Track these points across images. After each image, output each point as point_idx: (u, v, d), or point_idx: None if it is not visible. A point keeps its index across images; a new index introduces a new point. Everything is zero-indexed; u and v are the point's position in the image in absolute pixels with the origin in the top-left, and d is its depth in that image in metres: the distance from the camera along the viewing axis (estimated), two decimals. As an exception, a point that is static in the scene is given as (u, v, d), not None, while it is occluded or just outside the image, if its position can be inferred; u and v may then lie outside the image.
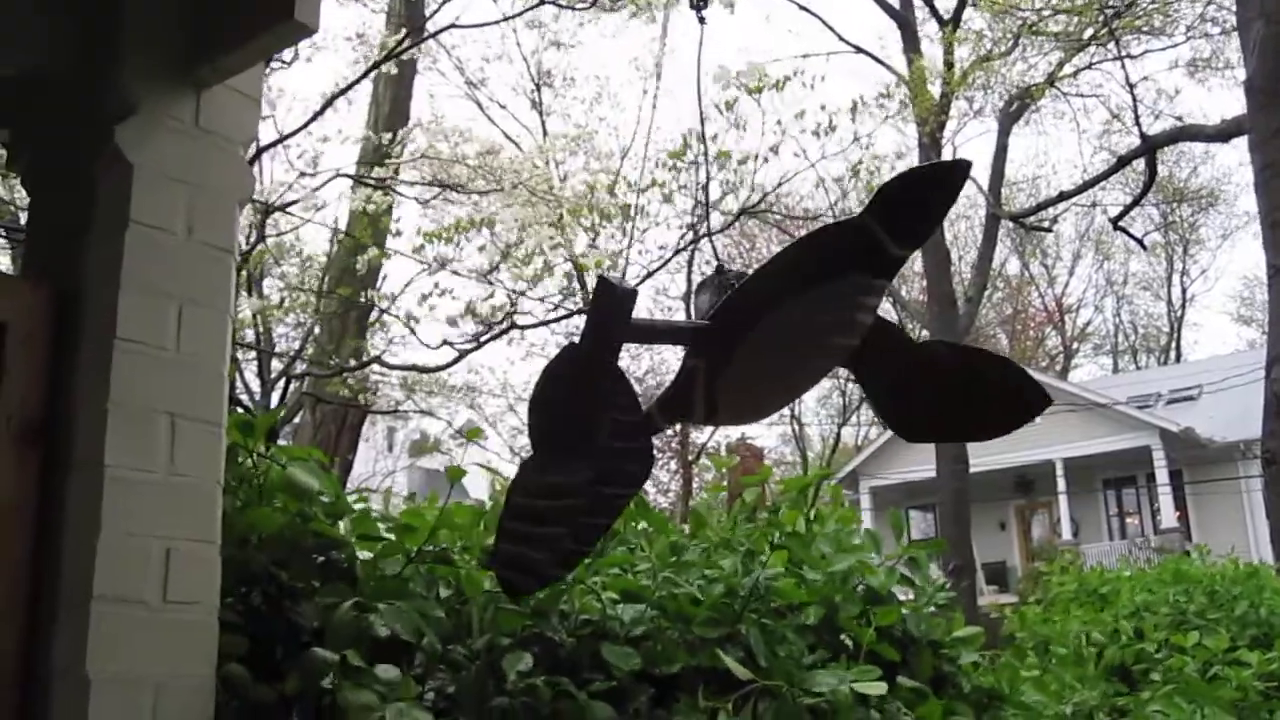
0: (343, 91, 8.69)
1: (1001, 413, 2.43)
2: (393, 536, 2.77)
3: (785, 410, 34.78)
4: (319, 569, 2.66)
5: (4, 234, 9.01)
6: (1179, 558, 7.70)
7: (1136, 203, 20.38)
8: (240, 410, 6.59)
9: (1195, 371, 32.53)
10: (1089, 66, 20.98)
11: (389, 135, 10.15)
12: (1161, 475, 27.18)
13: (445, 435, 21.00)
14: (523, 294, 9.43)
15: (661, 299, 28.23)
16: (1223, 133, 16.02)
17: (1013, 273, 40.12)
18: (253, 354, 10.92)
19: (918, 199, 2.18)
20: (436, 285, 9.28)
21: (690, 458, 27.89)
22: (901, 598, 3.35)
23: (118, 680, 2.17)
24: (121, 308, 2.31)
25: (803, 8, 20.37)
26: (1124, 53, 18.65)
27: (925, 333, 26.79)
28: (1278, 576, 6.57)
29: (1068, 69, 20.54)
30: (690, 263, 23.26)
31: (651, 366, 27.22)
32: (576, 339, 2.22)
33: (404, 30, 10.15)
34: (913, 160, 20.55)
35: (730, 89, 8.95)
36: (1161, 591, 6.35)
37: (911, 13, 20.47)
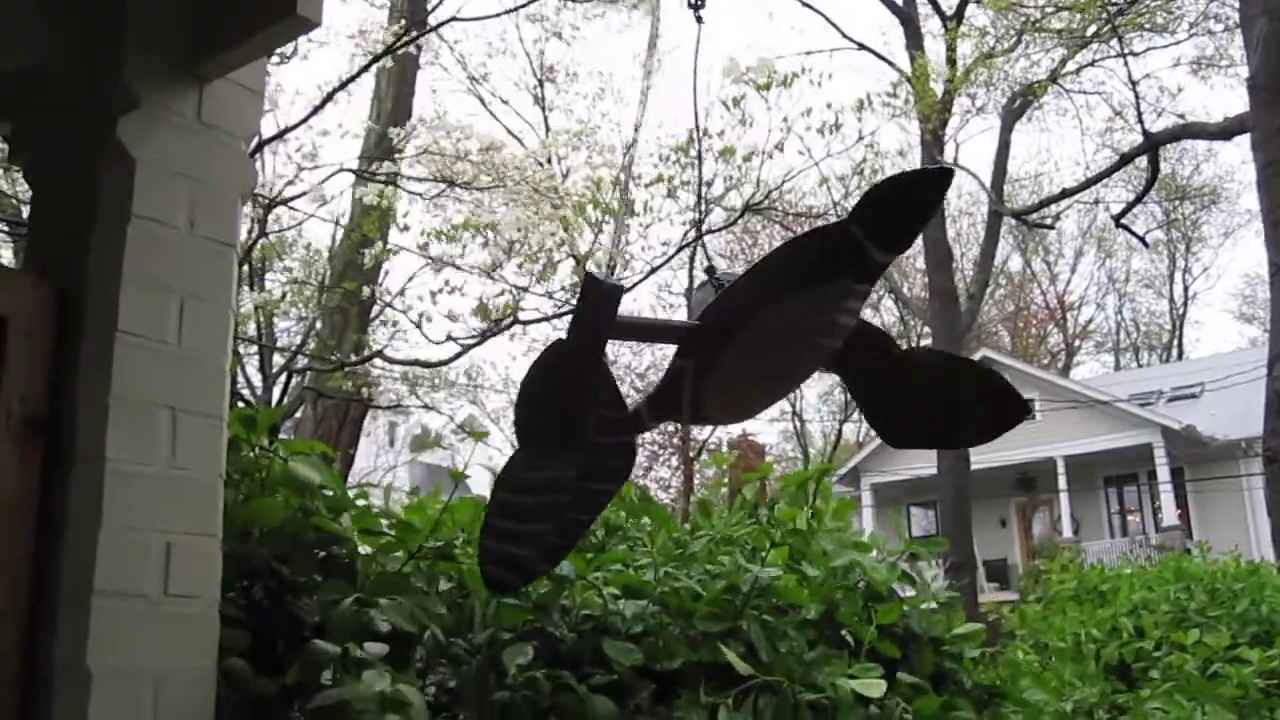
0: (344, 85, 8.68)
1: (982, 420, 2.45)
2: (394, 532, 2.78)
3: (786, 407, 34.80)
4: (320, 564, 2.66)
5: (6, 228, 9.01)
6: (1180, 555, 7.70)
7: (1139, 200, 20.36)
8: (242, 405, 6.59)
9: (1197, 369, 32.52)
10: (1092, 63, 20.97)
11: (392, 130, 10.15)
12: (1163, 473, 27.19)
13: (447, 430, 21.00)
14: (526, 289, 9.43)
15: (665, 295, 28.24)
16: (1225, 130, 16.00)
17: (1015, 270, 40.14)
18: (254, 348, 10.92)
19: (902, 205, 2.19)
20: (447, 283, 9.28)
21: (691, 454, 27.91)
22: (902, 595, 3.36)
23: (118, 674, 2.17)
24: (123, 302, 2.32)
25: (806, 4, 20.38)
26: (1127, 50, 18.63)
27: (927, 329, 26.80)
28: (1278, 574, 6.56)
29: (1070, 66, 20.53)
30: (692, 259, 23.28)
31: (654, 363, 27.24)
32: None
33: (404, 24, 10.14)
34: (915, 157, 20.58)
35: (739, 85, 8.93)
36: (1162, 589, 6.35)
37: (914, 9, 20.45)
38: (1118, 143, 22.92)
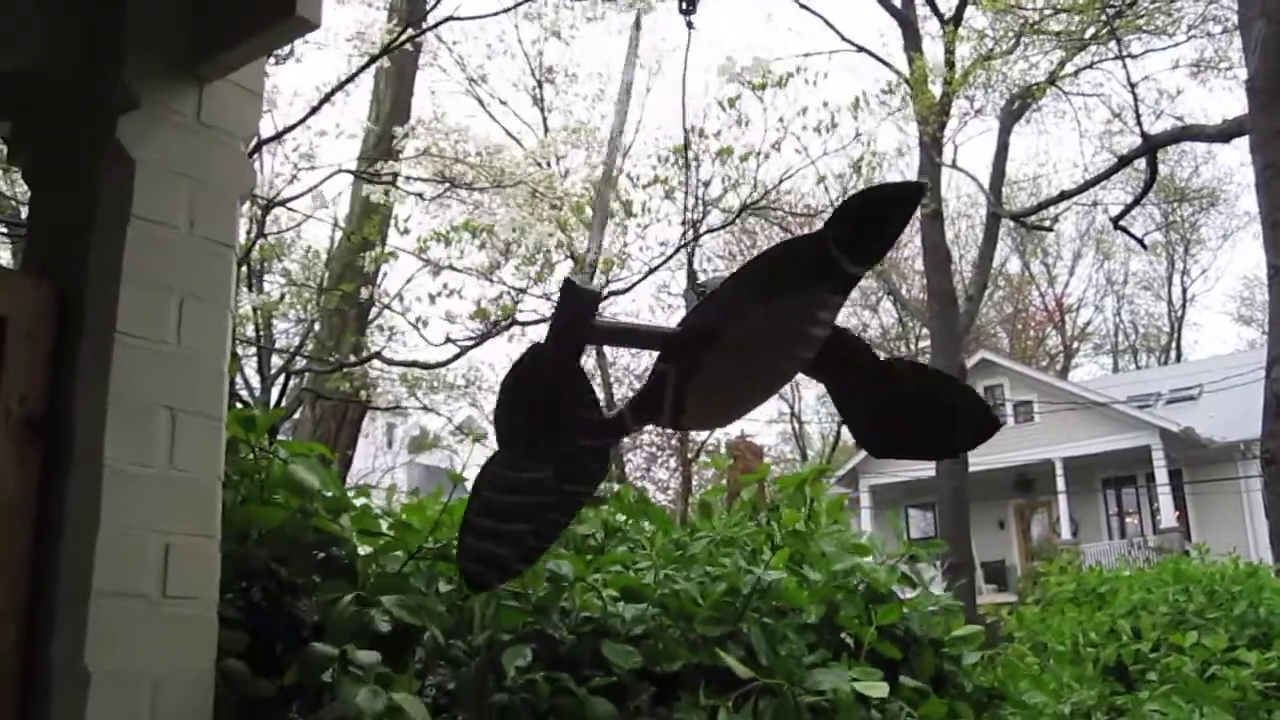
0: (343, 84, 8.67)
1: (954, 435, 2.46)
2: (393, 533, 2.78)
3: (785, 408, 34.81)
4: (319, 565, 2.66)
5: (5, 229, 9.01)
6: (1178, 557, 7.69)
7: (1137, 202, 20.38)
8: (240, 406, 6.59)
9: (1195, 371, 32.56)
10: (1090, 66, 20.99)
11: (390, 131, 10.15)
12: (1161, 475, 27.22)
13: (445, 432, 21.00)
14: (524, 291, 9.42)
15: (663, 296, 28.24)
16: (1224, 133, 16.01)
17: (1013, 272, 40.18)
18: (253, 349, 10.92)
19: (875, 218, 2.22)
20: (445, 285, 9.27)
21: (690, 456, 27.91)
22: (902, 597, 3.36)
23: (116, 675, 2.17)
24: (122, 302, 2.31)
25: (804, 6, 20.38)
26: (1125, 52, 18.65)
27: (926, 331, 26.81)
28: (1277, 576, 6.56)
29: (1069, 68, 20.55)
30: (691, 261, 23.26)
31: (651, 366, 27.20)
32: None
33: (400, 23, 10.13)
34: (914, 159, 20.60)
35: (734, 84, 8.92)
36: (1160, 591, 6.34)
37: (913, 11, 20.46)
38: (1116, 145, 22.96)
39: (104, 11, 2.52)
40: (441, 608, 2.66)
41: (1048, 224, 27.13)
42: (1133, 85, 17.61)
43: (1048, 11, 18.78)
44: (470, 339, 9.37)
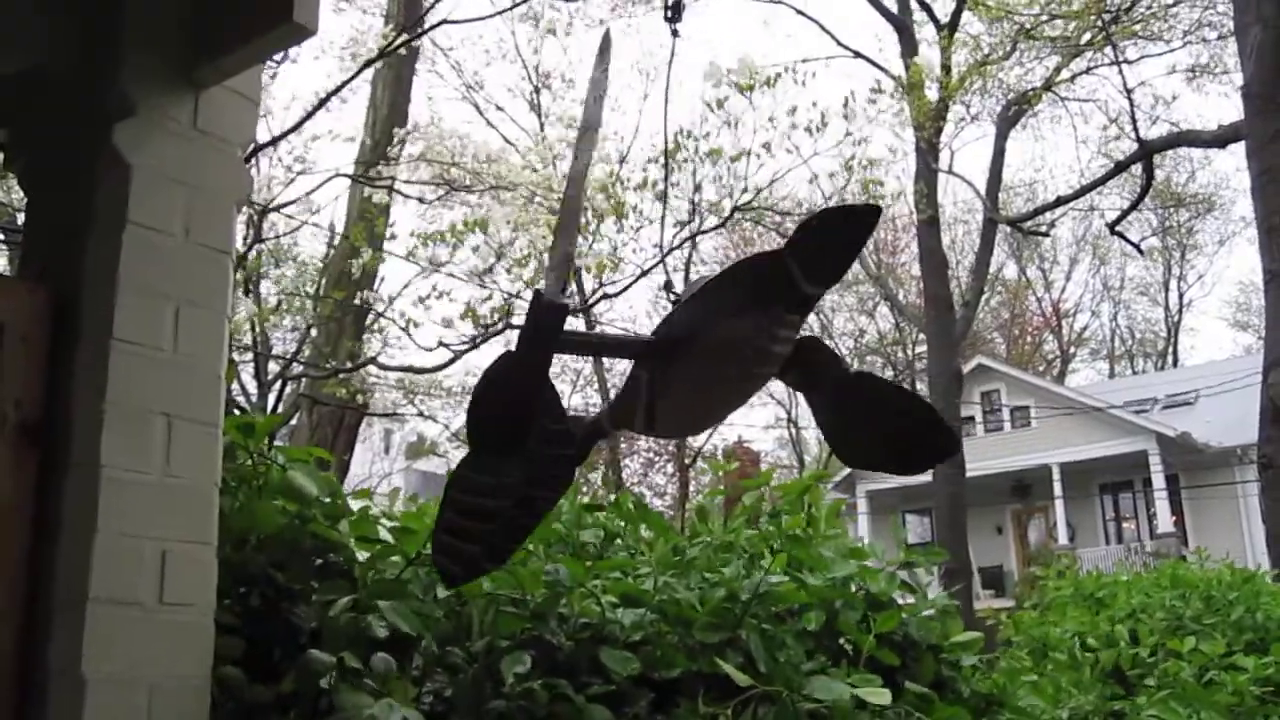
0: (339, 89, 8.67)
1: (912, 453, 2.48)
2: (392, 539, 2.77)
3: (781, 414, 34.81)
4: (317, 571, 2.65)
5: (1, 235, 9.00)
6: (1175, 562, 7.69)
7: (1134, 207, 20.39)
8: (237, 412, 6.57)
9: (1192, 376, 32.59)
10: (1086, 71, 21.03)
11: (387, 138, 10.15)
12: (1158, 480, 27.23)
13: (442, 438, 20.99)
14: (518, 295, 9.41)
15: (661, 299, 28.22)
16: (1220, 138, 16.02)
17: (1010, 277, 40.20)
18: (249, 356, 10.90)
19: (832, 239, 2.23)
20: (435, 287, 9.27)
21: (687, 461, 27.90)
22: (901, 602, 3.35)
23: (113, 681, 2.17)
24: (119, 308, 2.31)
25: (800, 12, 20.41)
26: (1121, 58, 18.68)
27: (923, 336, 26.83)
28: (1274, 582, 6.57)
29: (1065, 74, 20.59)
30: (688, 264, 23.29)
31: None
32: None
33: (396, 27, 10.13)
34: (910, 164, 20.61)
35: (723, 87, 8.89)
36: (1158, 596, 6.34)
37: (909, 17, 20.49)
38: (1112, 150, 23.00)
39: (103, 12, 2.52)
40: (440, 613, 2.66)
41: (1044, 229, 27.21)
42: (1129, 91, 17.64)
43: (1043, 18, 18.82)
44: (464, 343, 9.35)
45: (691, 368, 2.28)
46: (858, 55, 20.13)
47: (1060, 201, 22.56)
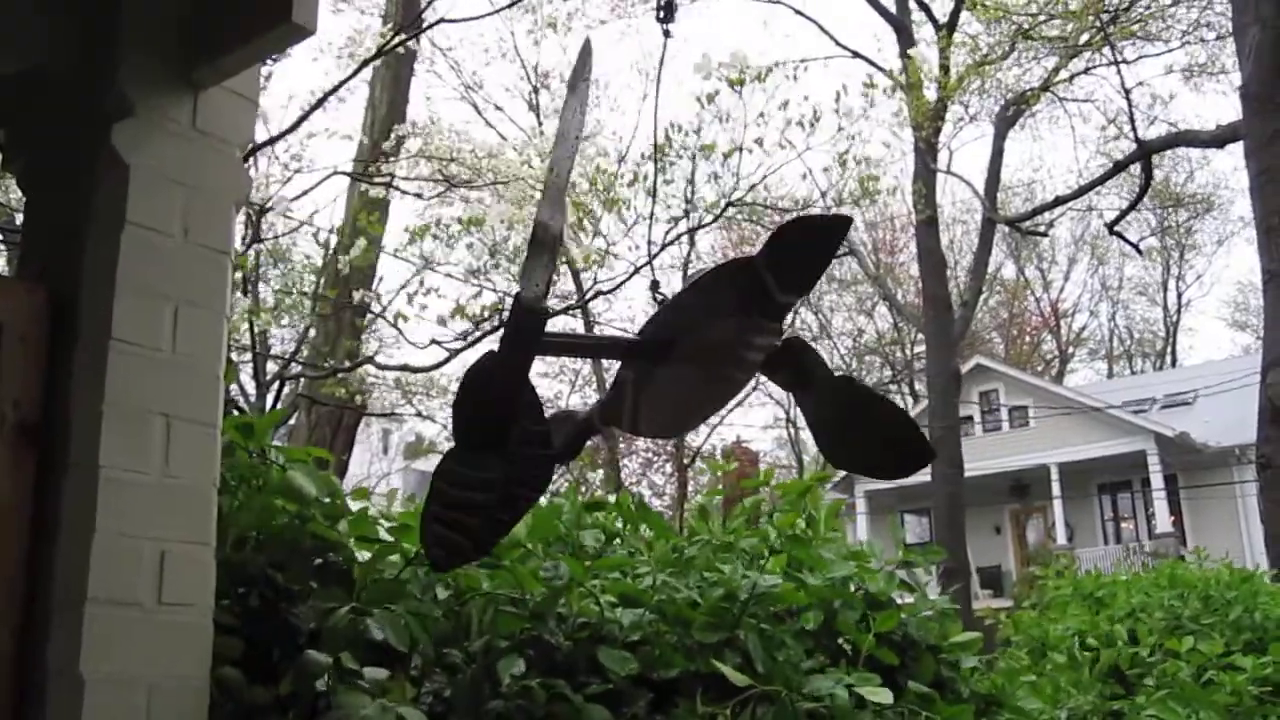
0: (336, 88, 8.65)
1: (890, 458, 2.49)
2: (391, 538, 2.77)
3: (780, 414, 34.80)
4: (316, 571, 2.65)
5: (1, 235, 8.98)
6: (1174, 562, 7.69)
7: (1132, 208, 20.40)
8: (236, 413, 6.56)
9: (1190, 376, 32.60)
10: (1085, 72, 21.04)
11: (385, 137, 10.14)
12: (1156, 480, 27.25)
13: (441, 438, 20.98)
14: (510, 294, 9.37)
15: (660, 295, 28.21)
16: (1218, 138, 16.03)
17: (1008, 277, 40.23)
18: (247, 355, 10.90)
19: (803, 249, 2.24)
20: (421, 283, 9.26)
21: (685, 461, 27.91)
22: (900, 602, 3.35)
23: (111, 681, 2.17)
24: (117, 309, 2.31)
25: (798, 11, 20.42)
26: (1119, 58, 18.68)
27: (921, 336, 26.83)
28: (1273, 582, 6.57)
29: (1063, 74, 20.59)
30: (686, 263, 23.31)
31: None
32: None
33: (394, 26, 10.12)
34: (909, 164, 20.62)
35: (712, 79, 8.86)
36: (1156, 596, 6.34)
37: (908, 16, 20.50)
38: (1111, 150, 23.00)
39: (103, 12, 2.52)
40: (438, 613, 2.66)
41: (1043, 229, 27.21)
42: (1127, 91, 17.64)
43: (1042, 18, 18.82)
44: (458, 339, 9.34)
45: (672, 370, 2.29)
46: (856, 55, 20.15)
47: (1059, 201, 22.58)
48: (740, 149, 9.03)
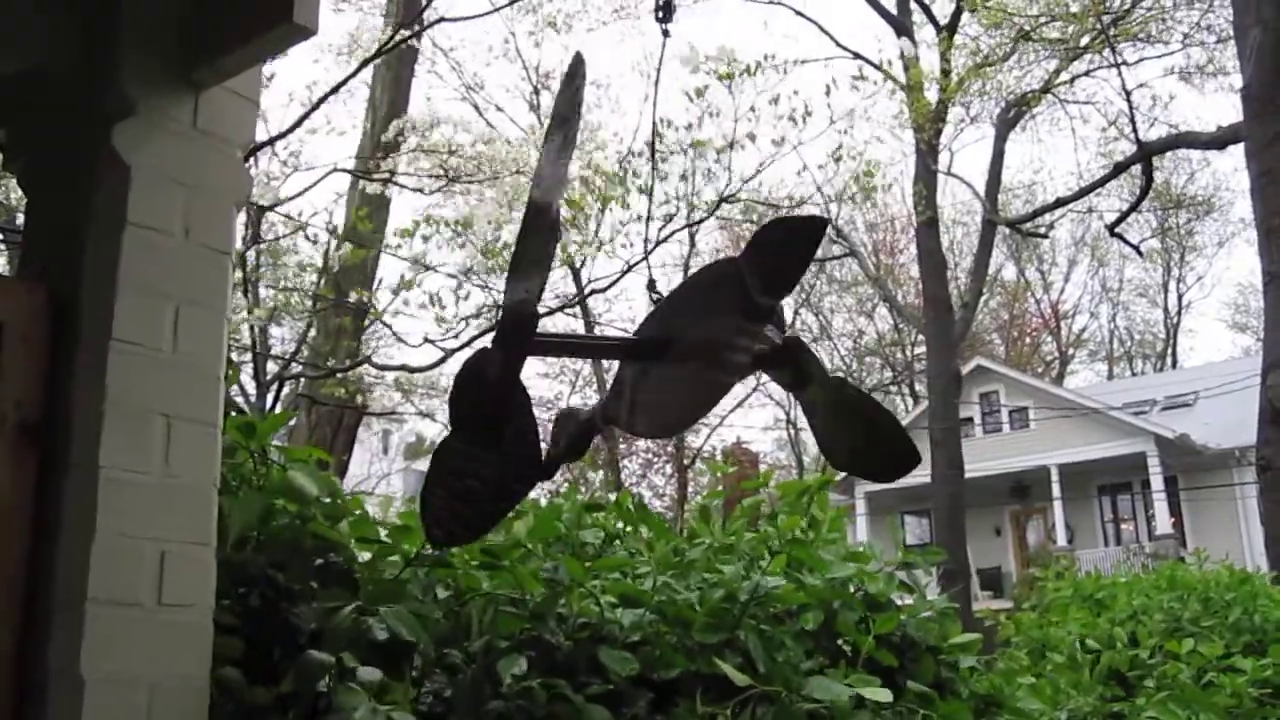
0: (337, 88, 8.64)
1: (880, 460, 2.50)
2: (390, 538, 2.77)
3: (780, 415, 34.81)
4: (317, 571, 2.65)
5: (1, 235, 8.99)
6: (1174, 564, 7.70)
7: (1133, 209, 20.41)
8: (236, 414, 6.56)
9: (1191, 378, 32.60)
10: (1086, 74, 21.04)
11: (388, 130, 10.12)
12: (1156, 481, 27.24)
13: (441, 438, 20.96)
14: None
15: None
16: (1219, 140, 16.04)
17: (1009, 278, 40.23)
18: (248, 355, 10.90)
19: (781, 251, 2.24)
20: (406, 280, 9.24)
21: (685, 462, 27.92)
22: (899, 603, 3.36)
23: (112, 681, 2.17)
24: (118, 309, 2.31)
25: (799, 13, 20.41)
26: (1120, 60, 18.69)
27: (921, 337, 26.84)
28: (1273, 584, 6.57)
29: (1064, 76, 20.59)
30: (687, 261, 23.32)
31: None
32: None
33: (395, 24, 10.12)
34: (909, 166, 20.63)
35: (702, 75, 8.84)
36: (1156, 598, 6.35)
37: (909, 18, 20.50)
38: (1112, 152, 23.00)
39: (103, 12, 2.52)
40: (438, 614, 2.66)
41: (1043, 231, 27.22)
42: (1127, 93, 17.65)
43: (1043, 20, 18.83)
44: (448, 336, 9.32)
45: (664, 371, 2.30)
46: (856, 56, 20.13)
47: (1059, 203, 22.60)
48: (732, 144, 8.99)
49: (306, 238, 10.25)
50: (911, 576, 3.44)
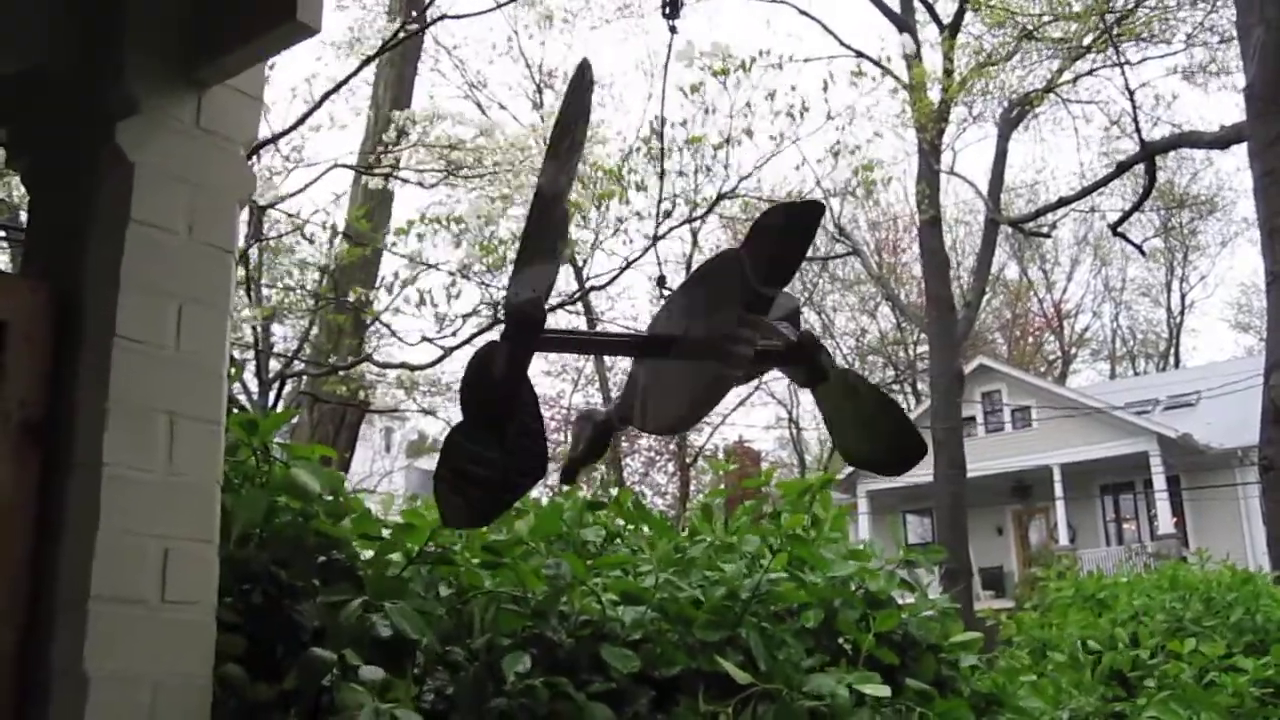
0: (339, 86, 8.65)
1: (890, 453, 2.50)
2: (392, 536, 2.78)
3: (782, 414, 34.82)
4: (320, 569, 2.66)
5: (4, 233, 9.00)
6: (1176, 564, 7.69)
7: (1136, 208, 20.42)
8: (238, 411, 6.56)
9: (1193, 378, 32.58)
10: (1089, 73, 21.04)
11: (396, 114, 10.12)
12: (1159, 481, 27.23)
13: (444, 435, 20.97)
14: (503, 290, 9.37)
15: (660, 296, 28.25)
16: (1222, 140, 16.02)
17: (1011, 278, 40.19)
18: (250, 353, 10.90)
19: (779, 238, 2.24)
20: (402, 279, 9.25)
21: (688, 461, 27.92)
22: (901, 601, 3.36)
23: (115, 679, 2.17)
24: (121, 306, 2.31)
25: (803, 12, 20.41)
26: (1123, 59, 18.68)
27: (924, 336, 26.83)
28: (1275, 584, 6.57)
29: (1067, 75, 20.59)
30: (690, 259, 23.32)
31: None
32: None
33: (400, 20, 10.12)
34: (912, 165, 20.63)
35: (697, 70, 8.82)
36: (1158, 598, 6.35)
37: (912, 18, 20.50)
38: (1114, 151, 23.00)
39: (104, 11, 2.52)
40: (441, 611, 2.67)
41: (1046, 230, 27.21)
42: (1131, 92, 17.65)
43: (1046, 20, 18.82)
44: (445, 335, 9.31)
45: (671, 366, 2.30)
46: (859, 55, 20.12)
47: (1062, 202, 22.60)
48: (729, 140, 8.98)
49: (306, 237, 10.25)
50: (913, 575, 3.44)
